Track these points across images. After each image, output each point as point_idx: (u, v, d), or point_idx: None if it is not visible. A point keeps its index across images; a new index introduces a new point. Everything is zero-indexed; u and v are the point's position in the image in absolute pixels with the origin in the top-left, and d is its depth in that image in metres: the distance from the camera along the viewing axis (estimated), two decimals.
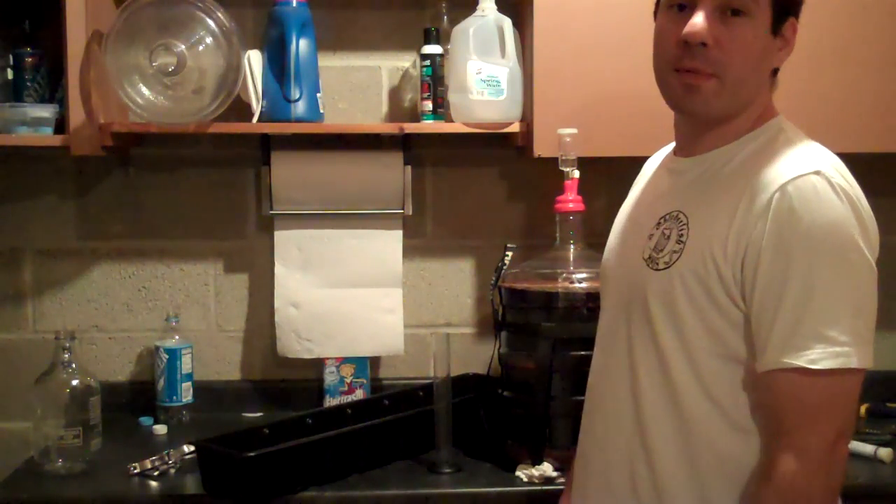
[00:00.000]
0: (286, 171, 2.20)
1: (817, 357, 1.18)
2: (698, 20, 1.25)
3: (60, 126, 2.05)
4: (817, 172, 1.22)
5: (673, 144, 1.49)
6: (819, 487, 1.21)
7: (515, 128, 2.08)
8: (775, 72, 1.36)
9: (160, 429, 2.15)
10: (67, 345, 1.90)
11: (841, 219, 1.21)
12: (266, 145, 2.21)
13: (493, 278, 2.01)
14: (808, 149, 1.29)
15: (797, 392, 1.20)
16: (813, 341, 1.19)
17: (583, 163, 1.94)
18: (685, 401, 1.29)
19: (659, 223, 1.35)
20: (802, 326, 1.19)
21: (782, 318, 1.20)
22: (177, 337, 2.23)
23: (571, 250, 1.94)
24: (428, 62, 2.15)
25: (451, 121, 2.12)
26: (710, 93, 1.29)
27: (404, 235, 2.28)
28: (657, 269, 1.31)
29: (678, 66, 1.29)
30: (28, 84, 2.10)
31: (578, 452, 1.50)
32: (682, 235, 1.30)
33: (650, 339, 1.32)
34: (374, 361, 2.32)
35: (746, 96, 1.32)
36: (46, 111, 2.06)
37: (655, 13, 1.38)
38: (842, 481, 1.25)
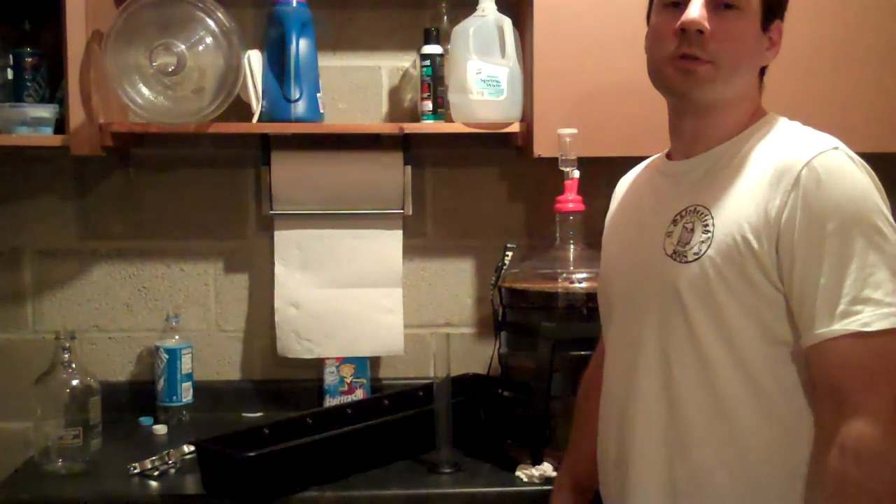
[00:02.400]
0: (286, 171, 2.21)
1: (869, 319, 1.20)
2: (695, 9, 1.30)
3: (60, 126, 2.05)
4: (836, 148, 1.27)
5: (640, 166, 1.55)
6: (893, 447, 1.19)
7: (515, 128, 2.08)
8: (762, 73, 1.40)
9: (160, 429, 2.15)
10: (67, 345, 1.90)
11: (866, 189, 1.25)
12: (266, 145, 2.21)
13: (493, 278, 2.01)
14: (815, 131, 1.34)
15: (854, 357, 1.21)
16: (861, 305, 1.21)
17: (583, 163, 1.94)
18: (726, 389, 1.29)
19: (675, 220, 1.36)
20: (847, 293, 1.21)
21: (826, 289, 1.22)
22: (177, 337, 2.23)
23: (571, 250, 1.94)
24: (428, 62, 2.15)
25: (451, 121, 2.12)
26: (705, 76, 1.32)
27: (404, 235, 2.28)
28: (686, 262, 1.32)
29: (675, 55, 1.33)
30: (28, 84, 2.10)
31: (603, 462, 1.49)
32: (707, 225, 1.31)
33: (685, 332, 1.32)
34: (374, 361, 2.32)
35: (739, 86, 1.35)
36: (46, 111, 2.06)
37: (648, 16, 1.41)
38: None
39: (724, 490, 1.31)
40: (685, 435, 1.33)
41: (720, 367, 1.29)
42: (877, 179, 1.29)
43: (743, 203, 1.29)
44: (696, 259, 1.30)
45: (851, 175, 1.25)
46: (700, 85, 1.32)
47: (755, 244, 1.26)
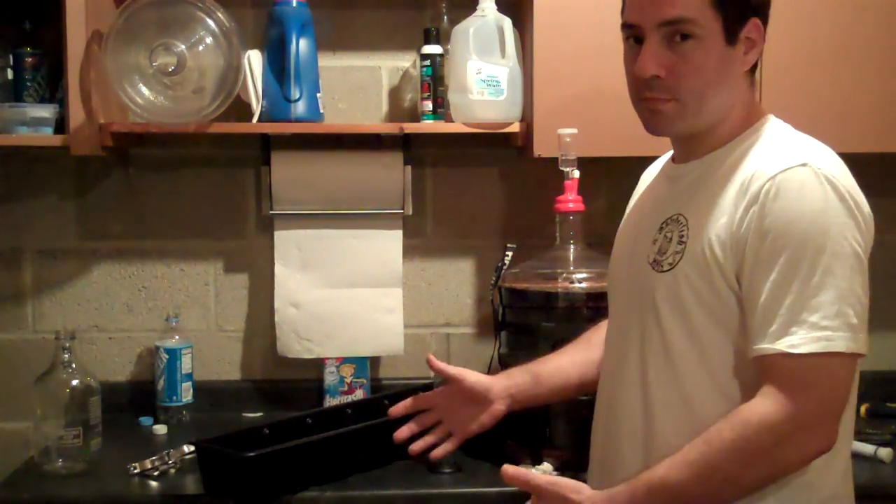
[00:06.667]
0: (286, 171, 2.21)
1: (798, 342, 1.21)
2: (645, 57, 1.31)
3: (60, 126, 2.05)
4: (804, 164, 1.25)
5: (668, 154, 1.52)
6: (780, 421, 1.20)
7: (515, 128, 2.08)
8: (753, 70, 1.38)
9: (160, 429, 2.15)
10: (67, 345, 1.90)
11: (825, 208, 1.23)
12: (266, 145, 2.21)
13: (493, 278, 2.01)
14: (797, 142, 1.33)
15: (782, 373, 1.22)
16: (796, 327, 1.21)
17: (583, 163, 1.94)
18: (697, 399, 1.31)
19: (661, 228, 1.38)
20: (784, 313, 1.22)
21: (766, 306, 1.23)
22: (177, 337, 2.23)
23: (571, 250, 1.93)
24: (428, 62, 2.15)
25: (451, 121, 2.12)
26: (671, 115, 1.33)
27: (404, 235, 2.28)
28: (662, 272, 1.34)
29: (641, 97, 1.35)
30: (28, 84, 2.10)
31: (592, 457, 1.51)
32: (682, 236, 1.33)
33: (660, 341, 1.34)
34: (374, 361, 2.32)
35: (713, 109, 1.34)
36: (46, 111, 2.06)
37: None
38: (793, 465, 1.24)
39: None
40: (663, 445, 1.33)
41: (690, 376, 1.31)
42: (850, 198, 1.25)
43: (716, 215, 1.30)
44: (670, 269, 1.32)
45: (811, 194, 1.23)
46: (669, 123, 1.35)
47: (721, 256, 1.27)
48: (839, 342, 1.21)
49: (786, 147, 1.31)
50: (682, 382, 1.32)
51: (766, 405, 1.22)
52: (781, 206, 1.23)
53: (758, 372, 1.25)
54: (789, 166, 1.25)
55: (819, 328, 1.21)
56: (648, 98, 1.34)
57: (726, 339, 1.29)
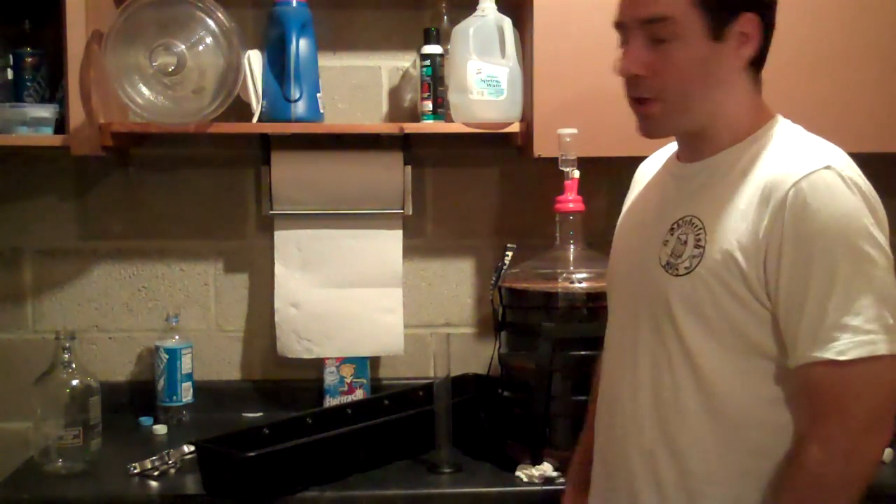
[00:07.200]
0: (286, 171, 2.21)
1: (845, 347, 1.21)
2: (627, 55, 1.33)
3: (60, 126, 2.05)
4: (828, 167, 1.25)
5: (664, 150, 1.52)
6: (837, 476, 1.23)
7: (515, 128, 2.08)
8: (759, 67, 1.36)
9: (160, 429, 2.15)
10: (67, 345, 1.90)
11: (854, 211, 1.23)
12: (266, 145, 2.21)
13: (493, 278, 2.01)
14: (814, 144, 1.32)
15: (828, 383, 1.22)
16: (839, 332, 1.21)
17: (583, 163, 1.94)
18: (720, 401, 1.30)
19: (672, 229, 1.36)
20: (827, 319, 1.22)
21: (808, 314, 1.23)
22: (177, 337, 2.22)
23: (571, 250, 1.94)
24: (428, 62, 2.15)
25: (451, 121, 2.12)
26: (658, 116, 1.34)
27: (404, 235, 2.28)
28: (678, 275, 1.32)
29: (630, 97, 1.36)
30: (28, 84, 2.10)
31: (595, 460, 1.50)
32: (699, 240, 1.31)
33: (677, 343, 1.32)
34: (374, 361, 2.32)
35: (705, 107, 1.33)
36: (46, 111, 2.06)
37: None
38: (870, 472, 1.26)
39: (712, 493, 1.32)
40: (677, 440, 1.33)
41: (713, 377, 1.30)
42: (871, 197, 1.26)
43: (735, 221, 1.29)
44: (686, 273, 1.31)
45: (840, 197, 1.23)
46: (658, 125, 1.35)
47: (744, 263, 1.26)
48: (882, 345, 1.21)
49: (803, 149, 1.30)
50: (706, 385, 1.31)
51: (819, 450, 1.22)
52: (814, 212, 1.22)
53: (802, 381, 1.25)
54: (813, 170, 1.24)
55: (863, 332, 1.21)
56: (635, 99, 1.34)
57: (743, 342, 1.28)
